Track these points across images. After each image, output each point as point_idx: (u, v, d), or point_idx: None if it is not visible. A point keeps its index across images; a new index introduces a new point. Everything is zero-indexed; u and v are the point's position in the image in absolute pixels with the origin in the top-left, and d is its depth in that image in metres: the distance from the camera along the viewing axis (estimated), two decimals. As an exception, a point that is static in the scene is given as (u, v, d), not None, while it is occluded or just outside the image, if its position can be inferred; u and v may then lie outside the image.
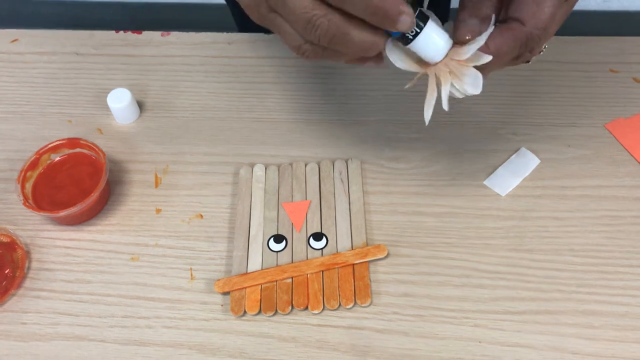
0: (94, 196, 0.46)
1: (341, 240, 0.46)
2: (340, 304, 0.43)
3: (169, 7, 1.47)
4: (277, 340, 0.42)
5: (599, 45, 0.57)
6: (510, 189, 0.48)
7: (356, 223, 0.47)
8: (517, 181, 0.49)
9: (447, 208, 0.48)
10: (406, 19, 0.31)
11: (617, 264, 0.44)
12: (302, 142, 0.52)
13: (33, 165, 0.49)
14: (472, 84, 0.35)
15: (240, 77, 0.57)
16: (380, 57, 0.37)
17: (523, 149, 0.50)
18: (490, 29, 0.35)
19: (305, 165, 0.50)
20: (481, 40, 0.34)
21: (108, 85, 0.57)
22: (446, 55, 0.35)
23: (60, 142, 0.50)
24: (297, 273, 0.44)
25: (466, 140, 0.52)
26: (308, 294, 0.43)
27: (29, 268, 0.46)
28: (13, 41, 0.62)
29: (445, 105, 0.36)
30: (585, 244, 0.45)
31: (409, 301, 0.43)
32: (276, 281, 0.44)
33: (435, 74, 0.36)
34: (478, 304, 0.43)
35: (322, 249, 0.46)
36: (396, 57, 0.36)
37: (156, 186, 0.50)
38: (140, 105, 0.56)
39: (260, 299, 0.43)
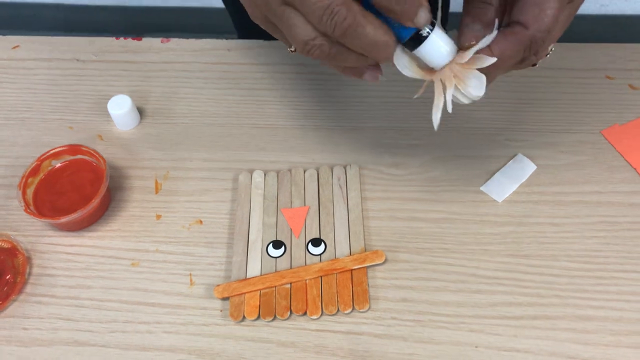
0: (95, 202, 0.47)
1: (339, 246, 0.46)
2: (338, 310, 0.43)
3: (169, 11, 1.48)
4: (276, 346, 0.42)
5: (595, 51, 0.58)
6: (507, 195, 0.49)
7: (354, 229, 0.47)
8: (513, 187, 0.49)
9: (444, 214, 0.48)
10: (424, 13, 0.32)
11: (612, 270, 0.45)
12: (301, 148, 0.53)
13: (34, 171, 0.49)
14: (475, 87, 0.36)
15: (240, 84, 0.58)
16: (377, 70, 0.38)
17: (519, 155, 0.51)
18: (494, 33, 0.35)
19: (304, 172, 0.51)
20: (484, 43, 0.35)
21: (108, 92, 0.57)
22: (451, 61, 0.36)
23: (61, 148, 0.50)
24: (296, 279, 0.45)
25: (463, 147, 0.52)
26: (307, 300, 0.44)
27: (30, 274, 0.47)
28: (14, 47, 0.62)
29: (449, 108, 0.36)
30: (582, 250, 0.46)
31: (407, 306, 0.44)
32: (275, 287, 0.45)
33: (441, 80, 0.36)
34: (475, 309, 0.43)
35: (320, 254, 0.46)
36: (403, 65, 0.36)
37: (156, 192, 0.51)
38: (141, 111, 0.56)
39: (259, 305, 0.44)
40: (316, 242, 0.47)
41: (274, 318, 0.43)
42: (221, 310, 0.44)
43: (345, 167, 0.51)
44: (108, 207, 0.50)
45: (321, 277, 0.45)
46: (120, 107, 0.53)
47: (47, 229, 0.49)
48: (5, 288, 0.45)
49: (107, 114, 0.54)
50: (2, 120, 0.56)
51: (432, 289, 0.44)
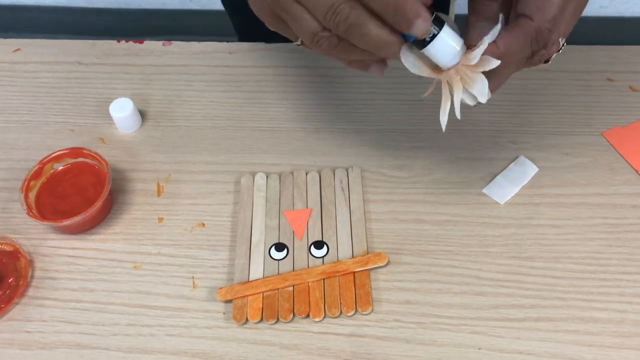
0: (97, 205, 0.47)
1: (342, 248, 0.46)
2: (341, 312, 0.43)
3: (170, 13, 1.48)
4: (279, 348, 0.42)
5: (596, 54, 0.58)
6: (509, 197, 0.49)
7: (357, 231, 0.47)
8: (515, 189, 0.49)
9: (447, 216, 0.48)
10: (422, 23, 0.32)
11: (615, 271, 0.45)
12: (303, 151, 0.53)
13: (36, 174, 0.50)
14: (479, 91, 0.36)
15: (242, 86, 0.58)
16: (383, 64, 0.38)
17: (521, 157, 0.51)
18: (497, 27, 0.35)
19: (306, 174, 0.51)
20: (487, 41, 0.34)
21: (110, 95, 0.57)
22: (458, 62, 0.35)
23: (64, 151, 0.50)
24: (299, 281, 0.45)
25: (465, 149, 0.52)
26: (309, 302, 0.44)
27: (32, 277, 0.47)
28: (15, 51, 0.62)
29: (457, 114, 0.36)
30: (584, 252, 0.46)
31: (410, 309, 0.44)
32: (278, 289, 0.45)
33: (447, 81, 0.36)
34: (478, 311, 0.43)
35: (323, 257, 0.46)
36: (410, 63, 0.36)
37: (158, 195, 0.51)
38: (142, 114, 0.56)
39: (262, 307, 0.44)
40: (318, 244, 0.47)
41: (277, 321, 0.43)
42: (224, 313, 0.44)
43: (347, 170, 0.51)
44: (110, 210, 0.50)
45: (324, 279, 0.45)
46: (122, 110, 0.53)
47: (50, 232, 0.49)
48: (8, 291, 0.45)
49: (109, 117, 0.54)
50: (4, 123, 0.56)
51: (435, 291, 0.44)
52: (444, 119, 0.37)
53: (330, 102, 0.56)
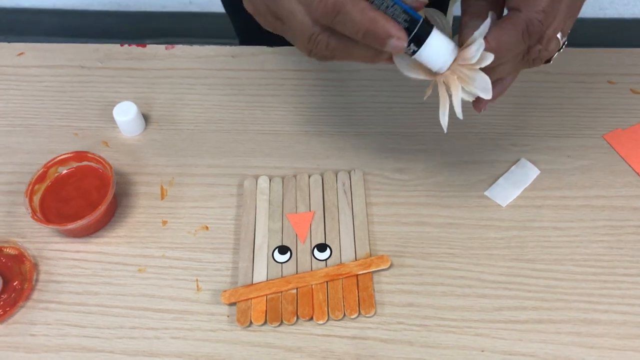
0: (102, 209, 0.47)
1: (345, 251, 0.47)
2: (344, 314, 0.44)
3: (170, 15, 1.48)
4: (283, 351, 0.43)
5: (597, 56, 0.58)
6: (511, 200, 0.49)
7: (359, 234, 0.47)
8: (517, 192, 0.50)
9: (449, 219, 0.48)
10: (395, 42, 0.32)
11: (616, 273, 0.45)
12: (305, 154, 0.53)
13: (41, 178, 0.50)
14: (481, 88, 0.35)
15: (244, 90, 0.58)
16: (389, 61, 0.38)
17: (523, 160, 0.51)
18: (487, 23, 0.34)
19: (309, 177, 0.51)
20: (480, 37, 0.34)
21: (114, 98, 0.58)
22: (453, 62, 0.35)
23: (68, 155, 0.51)
24: (302, 284, 0.45)
25: (467, 152, 0.52)
26: (313, 305, 0.44)
27: (37, 280, 0.47)
28: (19, 55, 0.62)
29: (459, 114, 0.36)
30: (586, 254, 0.46)
31: (413, 311, 0.44)
32: (281, 292, 0.45)
33: (444, 82, 0.36)
34: (481, 314, 0.44)
35: (326, 259, 0.46)
36: (404, 66, 0.36)
37: (162, 198, 0.51)
38: (146, 118, 0.56)
39: (266, 310, 0.44)
40: (322, 247, 0.47)
41: (281, 323, 0.44)
42: (228, 316, 0.44)
43: (349, 173, 0.51)
44: (114, 214, 0.50)
45: (327, 282, 0.45)
46: (125, 114, 0.54)
47: (54, 236, 0.49)
48: (13, 294, 0.46)
49: (113, 121, 0.55)
50: (8, 127, 0.57)
51: (438, 294, 0.45)
52: (444, 120, 0.37)
53: (332, 105, 0.57)
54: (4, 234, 0.49)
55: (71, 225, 0.46)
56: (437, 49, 0.34)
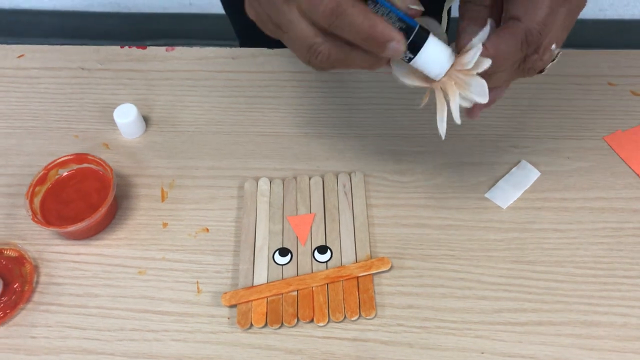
0: (102, 211, 0.47)
1: (345, 253, 0.47)
2: (345, 316, 0.44)
3: (170, 17, 1.48)
4: (284, 353, 0.43)
5: (597, 58, 0.58)
6: (511, 202, 0.49)
7: (360, 236, 0.48)
8: (517, 194, 0.50)
9: (449, 220, 0.49)
10: (394, 45, 0.32)
11: (616, 275, 0.45)
12: (306, 156, 0.53)
13: (41, 180, 0.50)
14: (478, 93, 0.35)
15: (245, 92, 0.58)
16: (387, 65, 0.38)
17: (523, 162, 0.51)
18: (486, 29, 0.35)
19: (309, 179, 0.51)
20: (478, 43, 0.34)
21: (114, 100, 0.58)
22: (450, 68, 0.35)
23: (68, 157, 0.51)
24: (303, 286, 0.45)
25: (467, 154, 0.52)
26: (313, 307, 0.44)
27: (37, 282, 0.47)
28: (19, 57, 0.62)
29: (457, 119, 0.36)
30: (586, 256, 0.46)
31: (413, 313, 0.44)
32: (282, 294, 0.45)
33: (442, 88, 0.36)
34: (481, 316, 0.44)
35: (326, 262, 0.46)
36: (401, 74, 0.36)
37: (162, 200, 0.51)
38: (146, 120, 0.56)
39: (267, 312, 0.44)
40: (322, 249, 0.47)
41: (281, 325, 0.44)
42: (228, 318, 0.44)
43: (350, 175, 0.51)
44: (115, 216, 0.50)
45: (327, 284, 0.45)
46: (125, 116, 0.54)
47: (55, 238, 0.49)
48: (14, 297, 0.46)
49: (113, 123, 0.55)
50: (8, 129, 0.57)
51: (438, 296, 0.45)
52: (442, 126, 0.37)
53: (332, 107, 0.57)
54: (5, 236, 0.49)
55: (71, 228, 0.46)
56: (434, 55, 0.35)
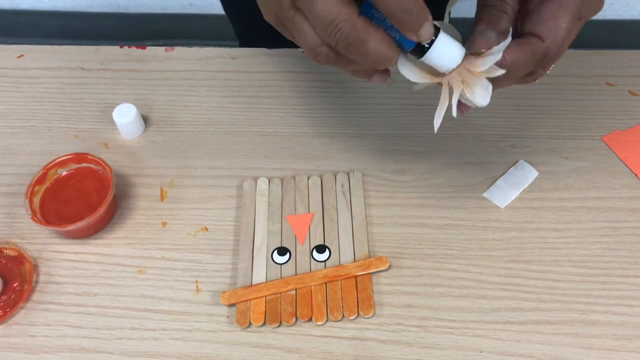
0: (101, 210, 0.47)
1: (344, 252, 0.47)
2: (343, 315, 0.44)
3: (170, 17, 1.48)
4: (282, 352, 0.43)
5: (595, 58, 0.58)
6: (510, 201, 0.49)
7: (358, 235, 0.48)
8: (516, 193, 0.50)
9: (448, 220, 0.49)
10: (429, 27, 0.32)
11: (615, 275, 0.45)
12: (304, 155, 0.53)
13: (41, 179, 0.50)
14: (481, 95, 0.36)
15: (244, 92, 0.58)
16: (386, 73, 0.38)
17: (521, 162, 0.51)
18: (507, 41, 0.35)
19: (308, 179, 0.51)
20: (498, 53, 0.35)
21: (113, 100, 0.58)
22: (460, 64, 0.35)
23: (68, 157, 0.51)
24: (301, 285, 0.45)
25: (466, 153, 0.53)
26: (312, 306, 0.44)
27: (36, 281, 0.47)
28: (19, 57, 0.63)
29: (454, 113, 0.36)
30: (584, 255, 0.46)
31: (412, 312, 0.44)
32: (280, 293, 0.45)
33: (449, 82, 0.36)
34: (479, 315, 0.44)
35: (325, 261, 0.47)
36: (408, 71, 0.36)
37: (162, 200, 0.51)
38: (145, 119, 0.57)
39: (265, 311, 0.44)
40: (320, 248, 0.47)
41: (280, 324, 0.44)
42: (227, 317, 0.45)
43: (348, 174, 0.51)
44: (114, 215, 0.50)
45: (326, 283, 0.45)
46: (125, 116, 0.54)
47: (54, 237, 0.49)
48: (13, 296, 0.46)
49: (113, 122, 0.55)
50: (8, 129, 0.57)
51: (437, 295, 0.45)
52: (437, 121, 0.37)
53: (331, 106, 0.57)
54: (4, 235, 0.50)
55: (71, 227, 0.46)
56: (446, 49, 0.35)
